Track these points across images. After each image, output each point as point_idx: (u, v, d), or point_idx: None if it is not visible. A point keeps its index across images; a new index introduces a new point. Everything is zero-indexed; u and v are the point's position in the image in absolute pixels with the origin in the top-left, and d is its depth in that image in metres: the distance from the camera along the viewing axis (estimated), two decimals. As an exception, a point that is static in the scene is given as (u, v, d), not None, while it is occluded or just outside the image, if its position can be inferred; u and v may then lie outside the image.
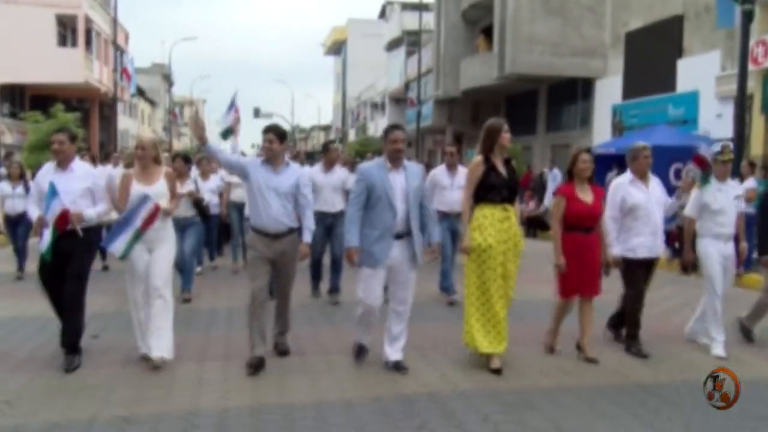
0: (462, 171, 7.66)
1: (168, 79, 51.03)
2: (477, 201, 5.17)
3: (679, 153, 12.94)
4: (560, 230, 5.37)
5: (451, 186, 7.69)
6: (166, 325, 5.09)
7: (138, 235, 4.98)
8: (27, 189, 8.40)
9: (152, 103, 48.82)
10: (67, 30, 27.71)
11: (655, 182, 5.71)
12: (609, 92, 20.38)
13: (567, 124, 23.72)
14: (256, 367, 4.97)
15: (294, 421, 4.08)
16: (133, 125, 40.95)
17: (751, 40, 13.82)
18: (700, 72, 15.90)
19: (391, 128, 5.08)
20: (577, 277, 5.34)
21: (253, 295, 5.08)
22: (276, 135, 5.12)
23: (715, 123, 15.17)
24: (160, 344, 5.01)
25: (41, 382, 4.70)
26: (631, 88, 19.02)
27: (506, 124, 5.23)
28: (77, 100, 28.41)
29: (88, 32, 28.44)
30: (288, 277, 5.36)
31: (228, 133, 11.33)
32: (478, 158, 5.22)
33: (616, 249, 5.57)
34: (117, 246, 4.98)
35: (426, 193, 5.29)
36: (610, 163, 13.85)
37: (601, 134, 20.30)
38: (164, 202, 5.17)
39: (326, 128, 64.35)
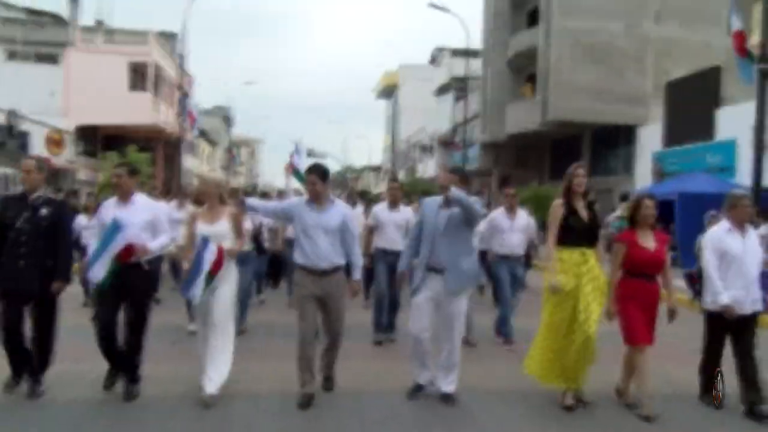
0: (521, 214, 7.65)
1: (228, 121, 53.54)
2: (557, 243, 5.17)
3: (715, 200, 13.33)
4: (617, 277, 5.19)
5: (511, 228, 7.48)
6: (225, 360, 5.17)
7: (210, 278, 5.01)
8: None
9: (212, 142, 51.26)
10: (137, 75, 29.88)
11: (753, 234, 5.37)
12: (650, 139, 20.87)
13: (610, 169, 24.16)
14: (306, 404, 4.99)
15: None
16: (195, 164, 43.13)
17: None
18: (738, 121, 16.29)
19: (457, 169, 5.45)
20: (644, 323, 5.13)
21: (301, 334, 5.08)
22: (318, 175, 5.11)
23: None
24: (215, 381, 5.05)
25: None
26: (671, 136, 19.50)
27: (581, 168, 5.25)
28: (145, 140, 30.37)
29: (157, 77, 30.58)
30: (337, 316, 5.21)
31: (302, 176, 11.75)
32: (558, 201, 5.25)
33: (724, 297, 5.12)
34: (195, 293, 5.01)
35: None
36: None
37: (643, 179, 20.71)
38: (227, 243, 5.18)
39: (377, 169, 65.75)
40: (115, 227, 4.91)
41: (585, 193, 5.23)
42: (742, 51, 11.09)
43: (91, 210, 9.23)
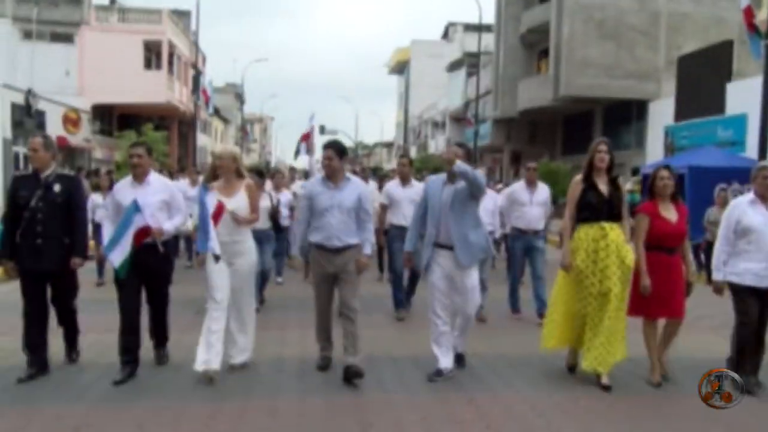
0: (542, 187, 7.56)
1: (240, 98, 53.72)
2: (577, 221, 5.14)
3: (724, 174, 13.48)
4: (644, 249, 5.09)
5: (531, 202, 7.42)
6: (246, 341, 5.30)
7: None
8: None
9: (225, 120, 51.56)
10: (152, 54, 30.11)
11: None
12: (662, 114, 20.89)
13: (622, 144, 24.18)
14: (325, 367, 5.28)
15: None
16: (209, 142, 43.50)
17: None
18: (749, 95, 16.30)
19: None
20: (661, 298, 5.06)
21: (318, 308, 5.31)
22: (335, 151, 5.10)
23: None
24: (242, 353, 5.25)
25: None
26: (682, 110, 19.52)
27: (604, 144, 5.16)
28: (159, 119, 30.72)
29: (171, 56, 30.81)
30: (352, 290, 5.18)
31: (297, 146, 11.88)
32: (577, 177, 5.22)
33: (718, 274, 5.09)
34: (212, 246, 4.83)
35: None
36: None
37: (655, 154, 20.79)
38: (243, 214, 5.16)
39: (389, 145, 65.82)
40: (135, 209, 4.84)
41: (609, 168, 5.13)
42: (752, 27, 11.14)
43: (105, 189, 9.29)
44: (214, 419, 4.26)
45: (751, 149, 16.00)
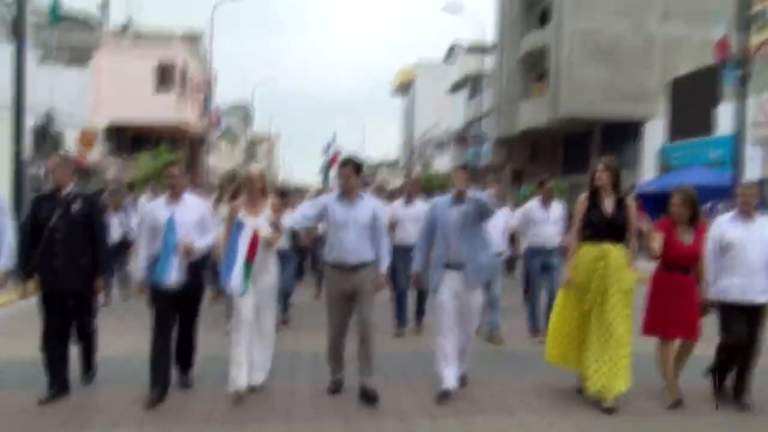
0: (556, 206, 7.58)
1: (248, 118, 54.78)
2: (581, 239, 5.16)
3: (713, 192, 14.16)
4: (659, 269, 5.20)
5: (546, 220, 7.44)
6: (265, 358, 5.32)
7: (248, 267, 4.90)
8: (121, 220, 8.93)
9: (233, 139, 52.57)
10: (164, 76, 31.07)
11: (761, 222, 5.15)
12: (656, 134, 21.63)
13: (619, 163, 24.85)
14: (335, 390, 5.30)
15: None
16: (215, 161, 44.37)
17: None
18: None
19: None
20: (675, 318, 5.10)
21: (331, 331, 5.25)
22: (353, 168, 5.14)
23: (749, 165, 16.28)
24: (260, 371, 5.27)
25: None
26: (675, 131, 20.27)
27: (601, 162, 5.19)
28: (170, 140, 31.57)
29: (182, 78, 31.78)
30: (368, 306, 5.16)
31: (326, 170, 12.20)
32: (583, 195, 5.24)
33: (710, 291, 5.16)
34: (235, 283, 4.87)
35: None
36: (651, 202, 15.12)
37: (649, 174, 21.50)
38: (268, 232, 5.12)
39: (394, 164, 66.65)
40: (172, 227, 4.88)
41: (615, 187, 5.11)
42: (724, 57, 11.91)
43: (114, 207, 9.17)
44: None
45: (740, 168, 16.71)
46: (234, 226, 4.99)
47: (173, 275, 4.85)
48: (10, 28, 11.97)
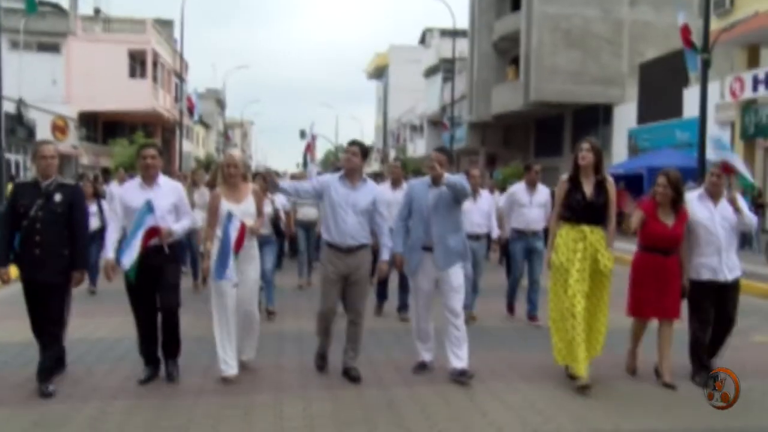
0: (542, 189, 7.58)
1: (221, 104, 54.45)
2: (561, 219, 5.19)
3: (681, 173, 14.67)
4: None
5: (530, 204, 7.46)
6: (253, 340, 5.38)
7: (235, 256, 4.91)
8: (100, 207, 8.60)
9: (207, 126, 52.25)
10: (136, 63, 30.84)
11: (725, 203, 5.22)
12: (626, 117, 22.20)
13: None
14: (321, 366, 5.35)
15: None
16: (191, 147, 44.16)
17: (729, 76, 15.78)
18: (703, 100, 17.59)
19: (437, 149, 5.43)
20: (654, 299, 5.13)
21: (322, 309, 5.24)
22: (360, 149, 5.16)
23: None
24: (249, 355, 5.38)
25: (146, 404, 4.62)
26: (644, 114, 20.82)
27: (587, 142, 5.14)
28: (143, 126, 31.42)
29: (155, 64, 31.57)
30: (360, 293, 5.22)
31: (304, 156, 12.38)
32: (564, 176, 5.27)
33: (686, 274, 5.22)
34: (230, 275, 4.89)
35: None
36: (618, 182, 15.62)
37: (620, 156, 22.07)
38: (251, 221, 5.10)
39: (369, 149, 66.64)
40: (148, 210, 4.79)
41: (597, 168, 5.09)
42: (688, 42, 12.34)
43: (89, 196, 8.72)
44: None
45: (707, 150, 17.29)
46: (225, 218, 4.94)
47: (128, 258, 4.74)
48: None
